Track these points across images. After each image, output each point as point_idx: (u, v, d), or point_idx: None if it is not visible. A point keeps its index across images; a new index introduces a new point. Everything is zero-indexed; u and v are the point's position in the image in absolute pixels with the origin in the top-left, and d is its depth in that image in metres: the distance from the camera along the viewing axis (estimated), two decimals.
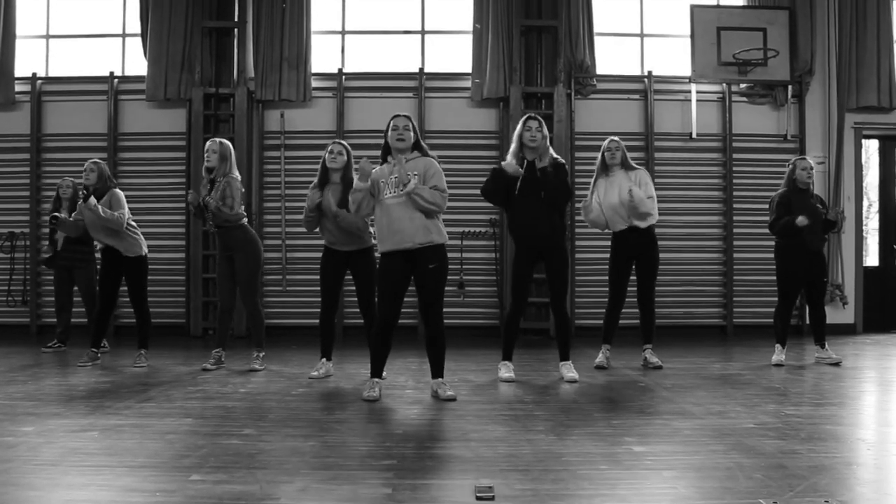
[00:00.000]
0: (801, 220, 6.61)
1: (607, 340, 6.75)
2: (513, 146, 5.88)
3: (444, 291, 5.17)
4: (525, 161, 5.79)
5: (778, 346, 6.92)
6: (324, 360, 6.14)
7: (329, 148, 6.00)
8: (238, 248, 6.41)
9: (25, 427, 4.16)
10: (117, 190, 6.77)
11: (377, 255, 5.28)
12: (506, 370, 5.94)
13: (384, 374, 5.50)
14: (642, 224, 6.50)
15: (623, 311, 6.77)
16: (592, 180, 6.73)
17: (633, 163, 6.73)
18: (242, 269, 6.42)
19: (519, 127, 5.85)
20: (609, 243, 6.77)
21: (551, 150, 5.88)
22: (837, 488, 3.04)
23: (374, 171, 5.16)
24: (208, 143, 6.47)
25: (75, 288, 7.80)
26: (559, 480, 3.18)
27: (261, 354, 6.56)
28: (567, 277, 5.94)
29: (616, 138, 6.75)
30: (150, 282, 6.94)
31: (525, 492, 3.02)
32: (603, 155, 6.66)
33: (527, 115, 5.90)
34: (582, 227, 9.22)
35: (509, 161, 5.82)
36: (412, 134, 5.13)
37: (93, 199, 6.44)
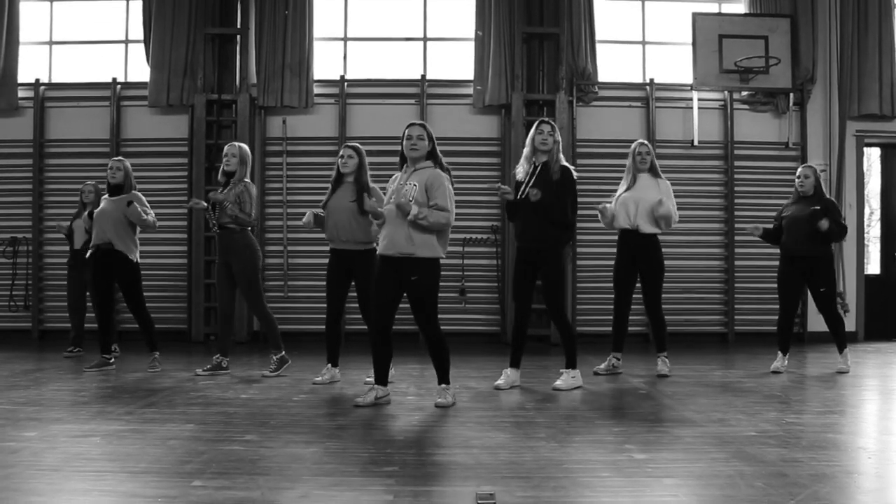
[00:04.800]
0: (754, 229, 6.96)
1: (616, 348, 6.72)
2: (525, 149, 5.93)
3: (433, 304, 5.10)
4: (535, 165, 5.82)
5: (779, 353, 6.92)
6: (329, 366, 6.19)
7: (341, 152, 6.10)
8: (235, 252, 6.43)
9: (28, 432, 4.18)
10: (139, 193, 6.90)
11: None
12: (502, 377, 5.92)
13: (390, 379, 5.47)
14: (652, 229, 6.53)
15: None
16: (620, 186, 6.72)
17: (660, 170, 6.73)
18: (240, 274, 6.45)
19: (532, 131, 5.89)
20: (610, 249, 6.78)
21: (562, 158, 5.86)
22: (838, 497, 3.05)
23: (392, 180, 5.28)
24: (227, 148, 6.53)
25: (87, 293, 7.81)
26: (560, 488, 3.19)
27: (275, 356, 6.54)
28: (557, 285, 5.83)
29: (645, 141, 6.77)
30: (152, 287, 6.97)
31: (526, 499, 3.02)
32: (634, 158, 6.64)
33: (540, 120, 5.96)
34: (584, 234, 9.24)
35: (517, 169, 5.92)
36: (426, 143, 5.12)
37: (136, 206, 6.66)
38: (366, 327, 6.08)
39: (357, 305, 6.23)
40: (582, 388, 5.84)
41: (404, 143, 5.13)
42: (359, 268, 5.99)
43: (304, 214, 6.07)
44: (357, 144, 6.17)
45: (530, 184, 5.75)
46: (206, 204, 6.58)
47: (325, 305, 6.17)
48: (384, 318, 5.10)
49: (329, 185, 6.14)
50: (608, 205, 6.61)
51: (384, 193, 5.48)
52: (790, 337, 7.03)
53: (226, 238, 6.45)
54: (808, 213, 6.69)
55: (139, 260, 6.86)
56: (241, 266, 6.43)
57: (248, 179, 6.54)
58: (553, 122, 5.91)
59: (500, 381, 5.87)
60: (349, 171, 6.00)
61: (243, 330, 9.17)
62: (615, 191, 6.79)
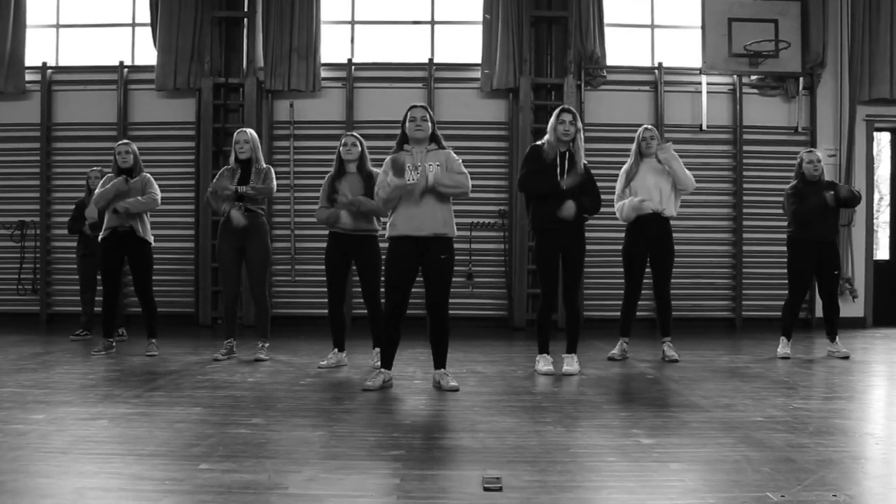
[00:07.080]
0: (830, 197, 6.61)
1: (625, 333, 6.70)
2: (548, 136, 5.81)
3: (451, 284, 5.19)
4: (558, 153, 5.75)
5: (783, 338, 6.88)
6: (335, 350, 6.20)
7: (343, 140, 6.07)
8: (256, 235, 6.46)
9: (36, 415, 4.19)
10: (148, 174, 6.93)
11: (382, 240, 5.29)
12: (543, 363, 5.85)
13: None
14: (672, 212, 6.48)
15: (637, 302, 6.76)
16: (622, 172, 6.63)
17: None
18: (257, 257, 6.48)
19: (552, 120, 5.79)
20: (620, 234, 6.73)
21: (583, 154, 5.78)
22: (845, 482, 3.04)
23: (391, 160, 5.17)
24: (237, 135, 6.54)
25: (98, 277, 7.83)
26: (566, 472, 3.19)
27: (265, 345, 6.59)
28: (581, 269, 5.89)
29: (651, 126, 6.70)
30: (159, 270, 6.97)
31: (532, 483, 3.02)
32: (639, 144, 6.56)
33: (560, 108, 5.84)
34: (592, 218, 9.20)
35: (567, 182, 5.71)
36: (430, 124, 5.16)
37: (133, 203, 6.65)
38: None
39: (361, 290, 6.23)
40: (580, 373, 5.82)
41: (408, 124, 5.13)
42: (362, 254, 5.98)
43: (311, 197, 6.06)
44: (357, 134, 6.16)
45: (567, 171, 5.70)
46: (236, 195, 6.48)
47: None
48: (403, 300, 5.10)
49: (330, 172, 6.09)
50: (648, 203, 6.44)
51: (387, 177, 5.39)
52: (796, 322, 7.02)
53: (249, 221, 6.43)
54: (828, 196, 6.65)
55: (152, 242, 6.88)
56: (261, 248, 6.49)
57: (265, 164, 6.60)
58: (574, 110, 5.82)
59: (546, 367, 5.80)
60: (353, 158, 5.99)
61: (251, 314, 9.19)
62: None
